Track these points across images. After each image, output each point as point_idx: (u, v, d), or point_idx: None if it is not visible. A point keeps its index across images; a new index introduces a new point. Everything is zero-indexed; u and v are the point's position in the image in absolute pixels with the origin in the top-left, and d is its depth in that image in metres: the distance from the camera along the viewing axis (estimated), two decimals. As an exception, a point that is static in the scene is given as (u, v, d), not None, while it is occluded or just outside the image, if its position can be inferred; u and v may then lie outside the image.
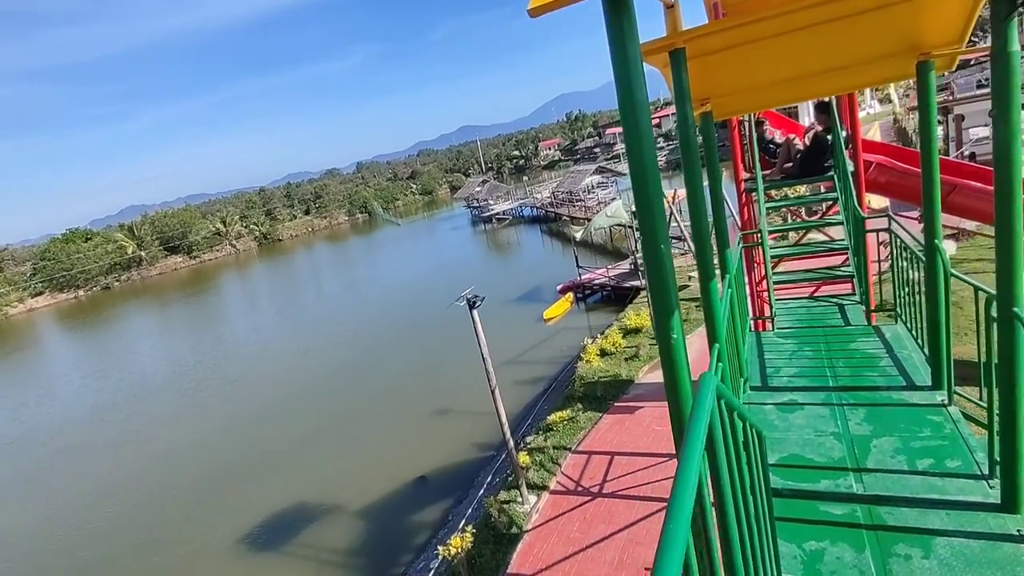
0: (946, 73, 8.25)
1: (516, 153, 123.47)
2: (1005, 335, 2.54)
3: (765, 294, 6.13)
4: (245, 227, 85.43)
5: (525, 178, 79.34)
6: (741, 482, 1.80)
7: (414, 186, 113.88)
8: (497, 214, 54.91)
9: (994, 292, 2.75)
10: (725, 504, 1.69)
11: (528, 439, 11.38)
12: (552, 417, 11.50)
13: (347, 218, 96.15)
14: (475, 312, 9.02)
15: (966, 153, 17.77)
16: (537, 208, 51.45)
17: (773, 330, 5.41)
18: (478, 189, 63.93)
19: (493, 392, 8.88)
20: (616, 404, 11.58)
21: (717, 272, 3.47)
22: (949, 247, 12.80)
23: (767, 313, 5.92)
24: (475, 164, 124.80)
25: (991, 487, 3.00)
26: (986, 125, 21.45)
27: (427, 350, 20.76)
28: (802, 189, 12.17)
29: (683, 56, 2.93)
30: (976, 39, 4.63)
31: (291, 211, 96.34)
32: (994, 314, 2.65)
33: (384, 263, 46.94)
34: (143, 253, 73.48)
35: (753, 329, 5.50)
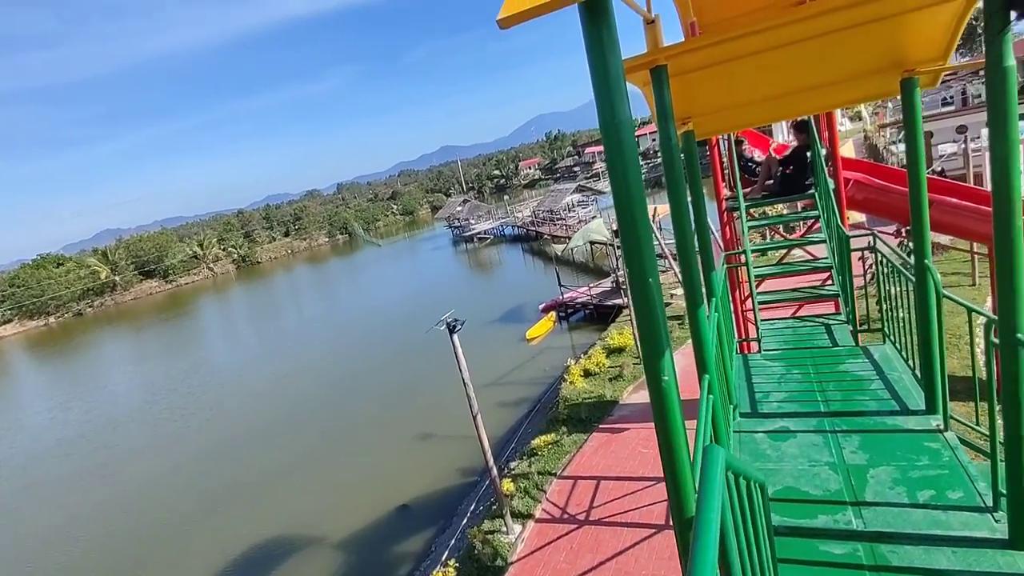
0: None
1: (496, 173, 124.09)
2: (1008, 362, 2.41)
3: (750, 314, 6.02)
4: (223, 250, 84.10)
5: (506, 197, 79.57)
6: (747, 540, 1.61)
7: (395, 207, 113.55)
8: (478, 233, 54.83)
9: (989, 314, 2.63)
10: (732, 565, 1.50)
11: (512, 464, 11.09)
12: (536, 441, 11.24)
13: (327, 239, 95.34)
14: (455, 337, 8.78)
15: (936, 169, 18.15)
16: (518, 227, 51.51)
17: (760, 352, 5.27)
18: (459, 209, 63.88)
19: (475, 419, 8.62)
20: (601, 426, 11.37)
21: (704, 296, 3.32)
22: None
23: (752, 335, 5.80)
24: (456, 184, 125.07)
25: (996, 520, 2.85)
26: (954, 141, 22.02)
27: (409, 373, 20.38)
28: (782, 208, 12.24)
29: (665, 73, 2.81)
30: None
31: (270, 233, 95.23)
32: (995, 340, 2.52)
33: (365, 284, 46.45)
34: (117, 278, 71.83)
35: (739, 351, 5.36)
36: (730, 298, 7.07)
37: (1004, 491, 2.73)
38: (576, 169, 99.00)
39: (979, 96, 31.46)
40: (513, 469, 10.72)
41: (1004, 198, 2.29)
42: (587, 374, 14.15)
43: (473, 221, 58.86)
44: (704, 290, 3.75)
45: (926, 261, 3.50)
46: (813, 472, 3.44)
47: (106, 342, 46.74)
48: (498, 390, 16.44)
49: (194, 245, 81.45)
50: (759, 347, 5.41)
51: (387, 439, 15.41)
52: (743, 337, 6.30)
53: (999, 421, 2.78)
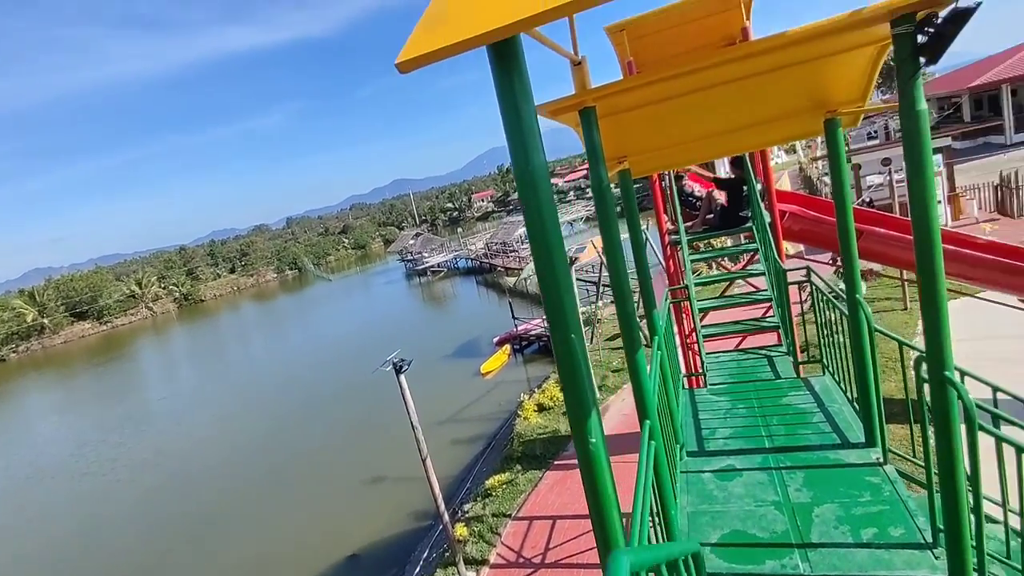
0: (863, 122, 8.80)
1: (449, 205, 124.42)
2: (938, 400, 2.42)
3: (696, 347, 6.04)
4: (164, 288, 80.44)
5: (459, 230, 79.69)
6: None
7: (347, 241, 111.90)
8: (432, 266, 54.47)
9: (920, 348, 2.65)
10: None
11: (466, 507, 10.72)
12: (490, 481, 10.93)
13: (276, 275, 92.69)
14: (402, 378, 8.48)
15: (866, 200, 19.21)
16: (472, 260, 51.46)
17: (706, 386, 5.26)
18: (412, 242, 63.46)
19: (424, 462, 8.28)
20: (556, 462, 11.17)
21: (645, 339, 3.26)
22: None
23: (699, 369, 5.82)
24: (409, 217, 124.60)
25: (936, 557, 2.84)
26: (880, 173, 23.43)
27: (359, 413, 19.68)
28: (727, 240, 12.60)
29: (594, 115, 2.78)
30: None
31: (215, 270, 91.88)
32: (925, 375, 2.53)
33: (314, 321, 45.12)
34: (45, 320, 67.44)
35: (686, 387, 5.35)
36: (676, 332, 7.12)
37: (942, 526, 2.72)
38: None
39: (899, 131, 33.84)
40: (467, 512, 10.35)
41: (925, 236, 2.32)
42: (541, 408, 13.97)
43: (426, 254, 58.51)
44: (647, 330, 3.70)
45: (857, 296, 3.56)
46: (760, 513, 3.37)
47: (31, 390, 43.51)
48: (452, 427, 16.04)
49: (132, 284, 77.62)
50: (705, 381, 5.41)
51: (335, 483, 14.71)
52: (689, 372, 6.31)
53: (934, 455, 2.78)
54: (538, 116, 1.80)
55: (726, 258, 10.89)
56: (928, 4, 2.17)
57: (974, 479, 2.44)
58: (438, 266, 54.56)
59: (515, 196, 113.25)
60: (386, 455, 15.14)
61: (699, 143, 4.18)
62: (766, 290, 6.37)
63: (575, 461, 11.06)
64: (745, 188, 6.82)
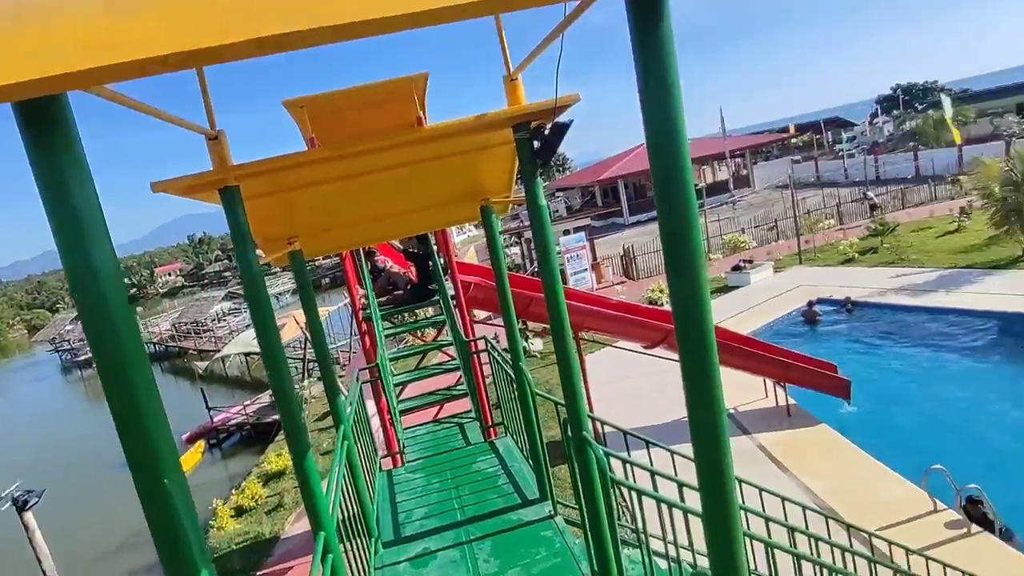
0: (515, 207, 10.18)
1: (126, 281, 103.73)
2: (580, 456, 2.72)
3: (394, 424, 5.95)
4: None
5: (140, 309, 66.59)
6: None
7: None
8: (96, 356, 43.77)
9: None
10: None
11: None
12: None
13: None
14: (29, 515, 6.32)
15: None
16: (156, 343, 43.21)
17: (403, 465, 5.17)
18: (70, 327, 50.39)
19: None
20: (259, 573, 9.63)
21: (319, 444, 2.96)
22: (537, 343, 15.54)
23: (396, 448, 5.72)
24: (65, 298, 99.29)
25: (600, 597, 3.14)
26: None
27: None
28: (428, 311, 13.15)
29: (237, 194, 2.49)
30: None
31: None
32: (570, 435, 2.84)
33: None
34: None
35: (383, 468, 5.17)
36: (379, 409, 6.94)
37: (597, 568, 3.03)
38: (227, 274, 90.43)
39: (556, 211, 41.57)
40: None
41: (556, 317, 2.64)
42: (240, 512, 12.05)
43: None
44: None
45: (520, 364, 3.94)
46: None
47: None
48: (129, 557, 12.64)
49: None
50: (403, 460, 5.32)
51: None
52: (387, 452, 6.16)
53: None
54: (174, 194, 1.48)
55: (420, 332, 11.33)
56: (538, 116, 2.57)
57: (611, 522, 2.77)
58: (103, 355, 44.12)
59: (211, 269, 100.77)
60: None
61: (374, 224, 4.22)
62: (455, 359, 6.74)
63: (286, 565, 9.73)
64: (431, 263, 7.22)
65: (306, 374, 17.42)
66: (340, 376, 16.98)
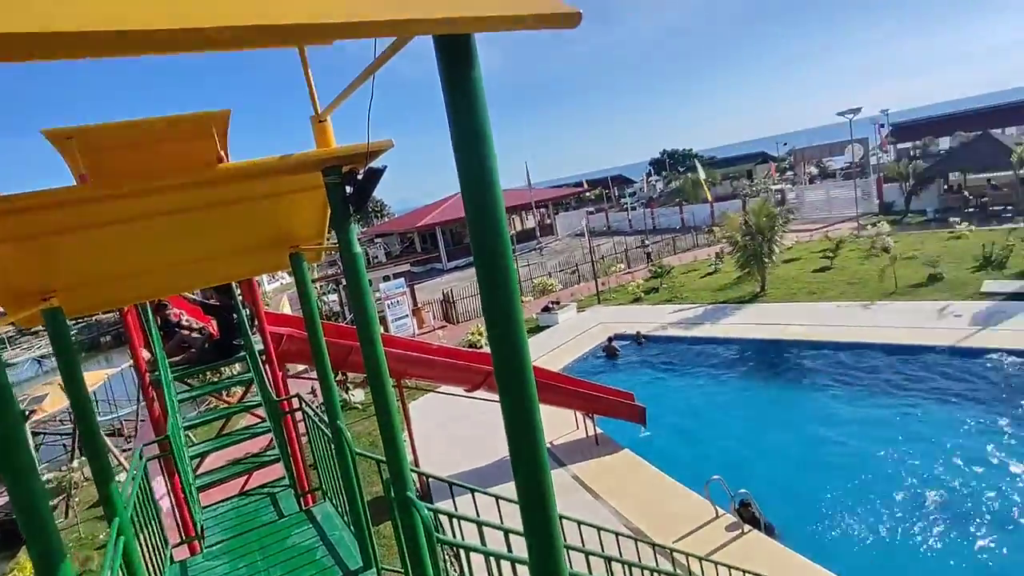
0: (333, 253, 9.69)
1: None
2: (404, 518, 2.61)
3: (188, 504, 5.11)
4: None
5: None
6: None
7: None
8: None
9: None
10: None
11: None
12: None
13: None
14: None
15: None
16: None
17: (202, 552, 4.45)
18: None
19: None
20: None
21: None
22: (358, 394, 14.83)
23: (194, 532, 4.92)
24: None
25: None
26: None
27: None
28: (235, 368, 11.74)
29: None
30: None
31: None
32: (393, 495, 2.72)
33: None
34: None
35: (176, 559, 4.38)
36: (171, 488, 5.94)
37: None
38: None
39: (375, 257, 40.84)
40: None
41: (374, 371, 2.54)
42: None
43: None
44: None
45: (338, 422, 3.70)
46: None
47: None
48: None
49: None
50: (202, 546, 4.58)
51: None
52: (181, 538, 5.27)
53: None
54: None
55: (223, 393, 10.08)
56: (350, 160, 2.50)
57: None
58: None
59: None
60: None
61: (163, 274, 3.69)
62: (264, 420, 6.08)
63: None
64: (235, 315, 6.52)
65: (75, 453, 14.25)
66: (126, 451, 14.21)
